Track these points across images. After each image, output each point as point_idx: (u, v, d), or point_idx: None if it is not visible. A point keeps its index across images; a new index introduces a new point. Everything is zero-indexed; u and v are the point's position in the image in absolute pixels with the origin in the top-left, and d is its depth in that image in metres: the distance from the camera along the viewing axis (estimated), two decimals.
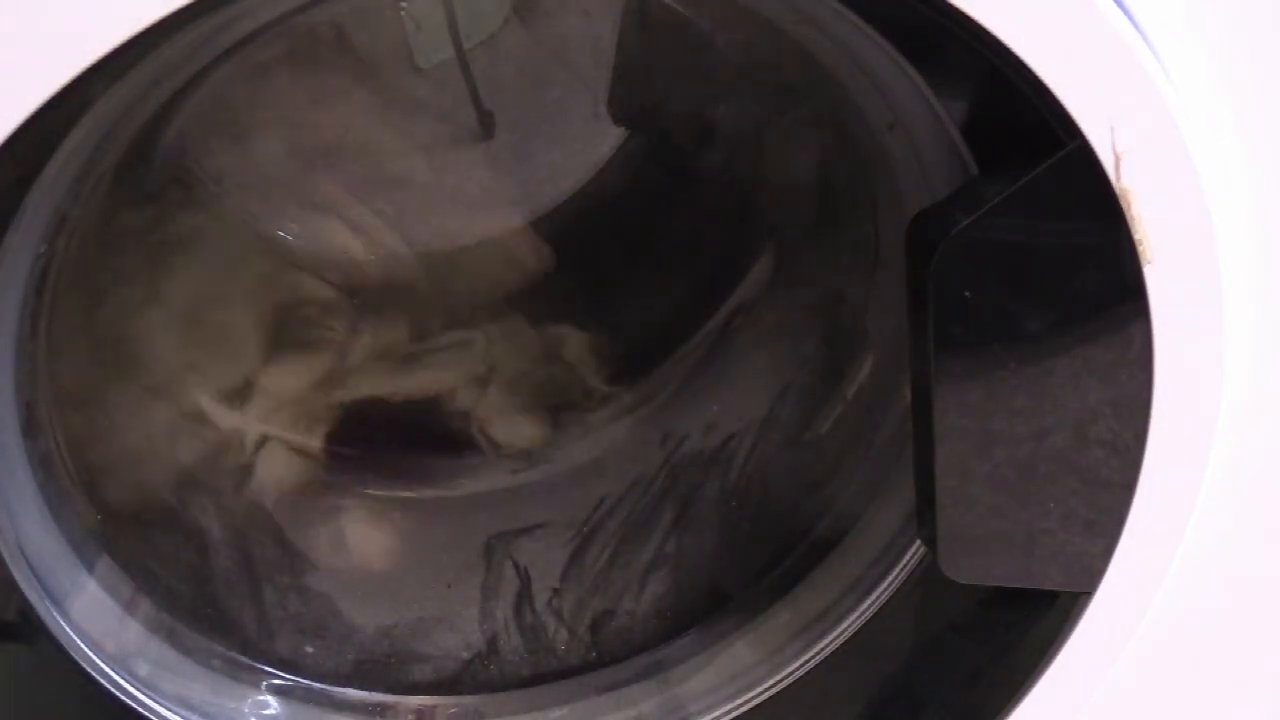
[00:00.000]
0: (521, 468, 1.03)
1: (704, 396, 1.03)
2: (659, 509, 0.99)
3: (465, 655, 0.95)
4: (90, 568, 0.84)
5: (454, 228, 1.06)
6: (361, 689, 0.93)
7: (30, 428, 0.80)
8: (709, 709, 0.90)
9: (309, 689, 0.92)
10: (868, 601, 0.88)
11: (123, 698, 0.81)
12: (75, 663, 0.79)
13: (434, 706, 0.93)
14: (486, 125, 1.03)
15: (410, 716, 0.93)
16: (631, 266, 1.08)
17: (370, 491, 1.02)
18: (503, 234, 1.05)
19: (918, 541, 0.86)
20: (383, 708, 0.92)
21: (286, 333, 1.03)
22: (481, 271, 1.06)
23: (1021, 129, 0.67)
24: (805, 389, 0.98)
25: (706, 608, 0.95)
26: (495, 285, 1.06)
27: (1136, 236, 0.67)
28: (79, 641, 0.80)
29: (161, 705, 0.83)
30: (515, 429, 1.04)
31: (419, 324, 1.06)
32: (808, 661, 0.89)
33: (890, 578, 0.87)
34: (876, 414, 0.92)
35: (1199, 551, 0.79)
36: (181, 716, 0.84)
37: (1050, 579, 0.77)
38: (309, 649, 0.93)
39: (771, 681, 0.89)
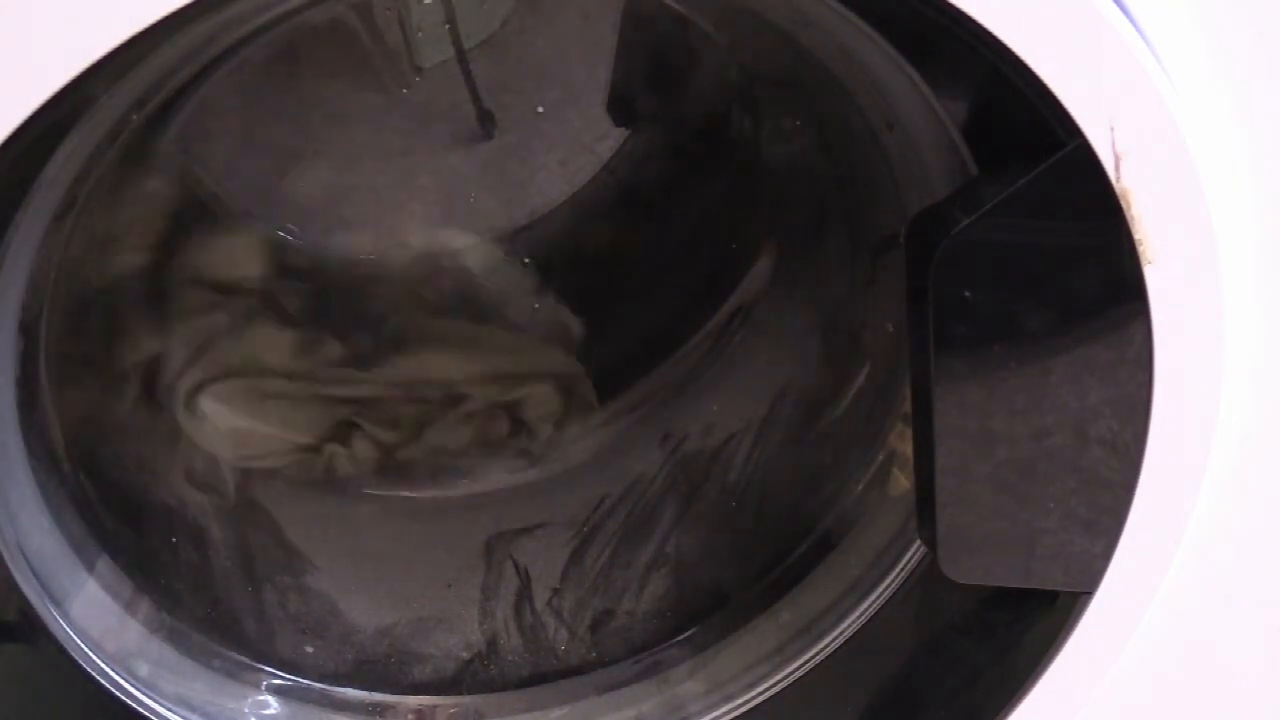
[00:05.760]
0: (521, 468, 1.03)
1: (704, 396, 1.03)
2: (659, 509, 0.99)
3: (465, 655, 0.95)
4: (90, 568, 0.84)
5: (454, 227, 1.06)
6: (361, 689, 0.93)
7: (30, 428, 0.80)
8: (709, 709, 0.90)
9: (309, 689, 0.92)
10: (868, 601, 0.88)
11: (123, 698, 0.81)
12: (75, 663, 0.79)
13: (434, 706, 0.93)
14: (486, 125, 1.03)
15: (410, 716, 0.93)
16: (632, 267, 1.08)
17: (370, 491, 1.02)
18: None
19: (918, 541, 0.86)
20: (383, 708, 0.92)
21: (286, 331, 1.03)
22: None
23: (1021, 129, 0.67)
24: (805, 389, 0.98)
25: (706, 608, 0.95)
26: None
27: (1136, 236, 0.67)
28: (79, 641, 0.80)
29: (161, 705, 0.83)
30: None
31: (417, 324, 1.06)
32: (808, 661, 0.89)
33: (890, 578, 0.87)
34: (876, 413, 0.92)
35: (1199, 551, 0.79)
36: (181, 716, 0.84)
37: (1050, 579, 0.77)
38: (309, 649, 0.93)
39: (771, 681, 0.89)
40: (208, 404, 0.99)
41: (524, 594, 0.97)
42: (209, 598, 0.92)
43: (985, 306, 0.70)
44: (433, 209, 1.06)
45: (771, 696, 0.89)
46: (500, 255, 1.06)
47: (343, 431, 1.03)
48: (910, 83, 0.72)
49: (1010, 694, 0.81)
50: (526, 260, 1.07)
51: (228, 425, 0.99)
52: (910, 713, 0.87)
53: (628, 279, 1.08)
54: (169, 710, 0.83)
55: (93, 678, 0.80)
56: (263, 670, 0.91)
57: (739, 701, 0.89)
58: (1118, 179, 0.66)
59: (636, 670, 0.93)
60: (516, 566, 0.98)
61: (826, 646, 0.88)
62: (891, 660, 0.88)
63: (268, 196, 1.02)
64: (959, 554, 0.76)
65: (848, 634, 0.88)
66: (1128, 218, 0.67)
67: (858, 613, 0.88)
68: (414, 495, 1.02)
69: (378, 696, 0.93)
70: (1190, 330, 0.70)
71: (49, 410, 0.84)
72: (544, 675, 0.95)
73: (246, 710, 0.88)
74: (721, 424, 1.00)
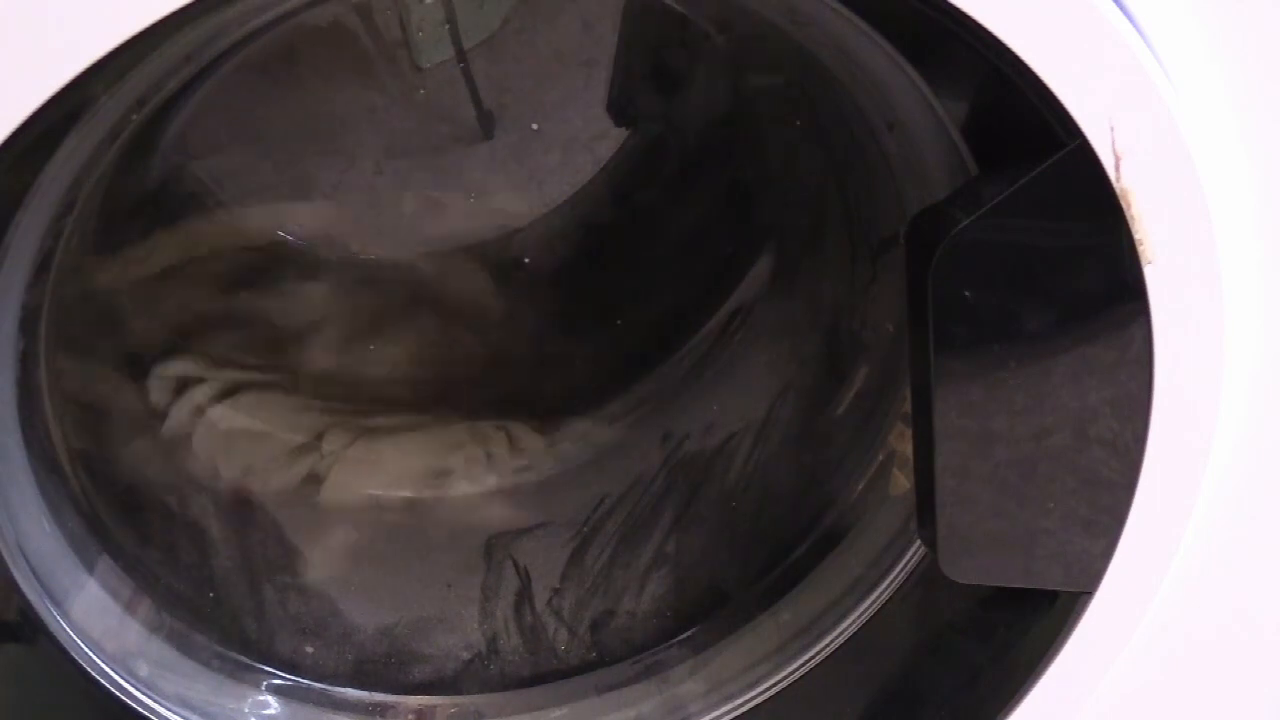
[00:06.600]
0: (521, 468, 1.03)
1: (704, 396, 1.03)
2: (659, 509, 0.99)
3: (465, 655, 0.95)
4: (90, 568, 0.84)
5: (454, 228, 1.06)
6: (361, 689, 0.93)
7: (30, 428, 0.80)
8: (709, 709, 0.90)
9: (309, 689, 0.92)
10: (868, 601, 0.88)
11: (123, 698, 0.81)
12: (75, 663, 0.79)
13: (434, 706, 0.93)
14: (486, 125, 1.03)
15: (410, 716, 0.93)
16: (632, 267, 1.08)
17: (370, 491, 1.02)
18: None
19: (918, 541, 0.86)
20: (383, 708, 0.92)
21: (286, 331, 1.03)
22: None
23: (1021, 129, 0.67)
24: (805, 389, 0.98)
25: (706, 608, 0.95)
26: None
27: (1136, 236, 0.67)
28: (79, 641, 0.80)
29: (161, 705, 0.83)
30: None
31: (418, 323, 1.06)
32: (808, 661, 0.89)
33: (890, 578, 0.87)
34: (876, 414, 0.92)
35: (1199, 551, 0.79)
36: (181, 716, 0.84)
37: (1050, 579, 0.77)
38: (309, 649, 0.93)
39: (771, 681, 0.89)
40: (210, 406, 0.99)
41: (524, 594, 0.97)
42: (209, 598, 0.92)
43: (985, 306, 0.70)
44: (432, 209, 1.06)
45: (771, 696, 0.89)
46: (500, 255, 1.06)
47: (343, 434, 1.03)
48: (910, 83, 0.72)
49: (1010, 694, 0.81)
50: (526, 260, 1.07)
51: (228, 427, 0.99)
52: (910, 713, 0.87)
53: (628, 279, 1.08)
54: (169, 710, 0.83)
55: (93, 678, 0.80)
56: (263, 670, 0.91)
57: (739, 701, 0.89)
58: (1118, 179, 0.66)
59: (636, 670, 0.93)
60: (516, 566, 0.98)
61: (826, 646, 0.88)
62: (891, 660, 0.88)
63: (268, 196, 1.02)
64: (959, 554, 0.76)
65: (848, 634, 0.88)
66: (1128, 218, 0.67)
67: (858, 613, 0.88)
68: (414, 495, 1.02)
69: (378, 696, 0.93)
70: (1190, 330, 0.70)
71: (49, 410, 0.84)
72: (544, 675, 0.95)
73: (246, 710, 0.88)
74: (721, 424, 1.00)
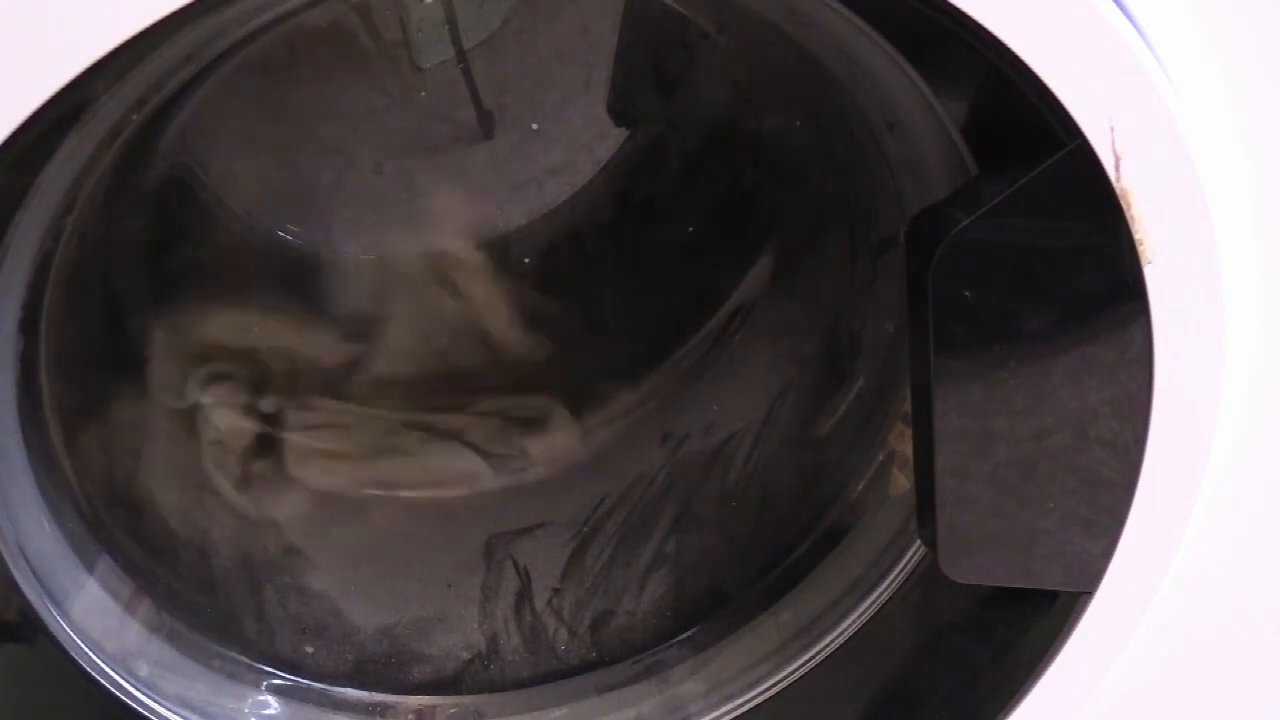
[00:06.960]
0: (521, 468, 1.03)
1: (704, 396, 1.03)
2: (659, 509, 0.99)
3: (465, 655, 0.95)
4: (90, 568, 0.84)
5: (454, 229, 1.06)
6: (361, 689, 0.93)
7: (30, 427, 0.80)
8: (709, 709, 0.90)
9: (309, 689, 0.92)
10: (868, 601, 0.88)
11: (123, 698, 0.81)
12: (75, 663, 0.79)
13: (434, 706, 0.93)
14: (486, 125, 1.03)
15: (410, 716, 0.93)
16: (632, 267, 1.08)
17: (370, 491, 1.02)
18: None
19: (918, 541, 0.86)
20: (383, 708, 0.92)
21: (287, 332, 1.03)
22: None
23: (1021, 129, 0.67)
24: (805, 389, 0.98)
25: (706, 608, 0.95)
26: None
27: (1136, 236, 0.67)
28: (79, 641, 0.80)
29: (161, 705, 0.83)
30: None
31: (415, 324, 1.06)
32: (808, 661, 0.89)
33: (890, 578, 0.87)
34: (877, 414, 0.92)
35: (1199, 551, 0.79)
36: (181, 716, 0.84)
37: (1050, 579, 0.77)
38: (309, 649, 0.93)
39: (771, 681, 0.89)
40: (212, 405, 0.99)
41: (524, 594, 0.97)
42: (209, 598, 0.92)
43: (985, 306, 0.70)
44: (432, 209, 1.06)
45: (771, 696, 0.89)
46: (500, 256, 1.06)
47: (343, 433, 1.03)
48: (910, 83, 0.72)
49: (1010, 694, 0.82)
50: (526, 260, 1.07)
51: (229, 426, 0.99)
52: (910, 713, 0.87)
53: (628, 279, 1.08)
54: (169, 710, 0.83)
55: (93, 678, 0.80)
56: (263, 670, 0.91)
57: (739, 701, 0.89)
58: (1118, 179, 0.66)
59: (636, 670, 0.93)
60: (516, 567, 0.98)
61: (826, 646, 0.88)
62: (891, 660, 0.88)
63: (268, 197, 1.02)
64: (959, 554, 0.76)
65: (848, 634, 0.88)
66: (1128, 218, 0.67)
67: (858, 613, 0.88)
68: (414, 495, 1.02)
69: (378, 696, 0.93)
70: (1190, 330, 0.70)
71: (49, 410, 0.84)
72: (544, 675, 0.95)
73: (246, 710, 0.88)
74: (721, 424, 1.00)
